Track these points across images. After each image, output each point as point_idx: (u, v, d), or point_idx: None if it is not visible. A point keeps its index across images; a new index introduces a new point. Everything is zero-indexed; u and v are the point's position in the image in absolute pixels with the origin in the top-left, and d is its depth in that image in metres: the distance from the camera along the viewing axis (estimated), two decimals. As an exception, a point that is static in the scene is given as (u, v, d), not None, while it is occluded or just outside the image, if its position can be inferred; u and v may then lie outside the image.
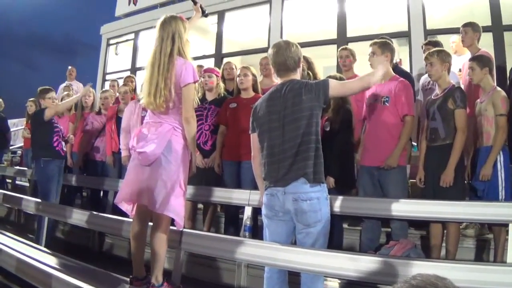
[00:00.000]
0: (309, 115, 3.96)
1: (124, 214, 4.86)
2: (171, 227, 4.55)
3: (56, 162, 7.85)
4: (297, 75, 4.25)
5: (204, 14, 5.90)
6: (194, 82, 4.53)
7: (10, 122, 13.61)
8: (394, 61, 6.20)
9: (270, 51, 4.28)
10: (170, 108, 4.46)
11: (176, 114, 4.50)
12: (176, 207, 4.35)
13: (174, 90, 4.40)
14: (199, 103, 5.19)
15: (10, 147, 14.67)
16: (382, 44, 5.73)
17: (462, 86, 6.24)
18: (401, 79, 5.71)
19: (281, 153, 4.01)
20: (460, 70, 7.37)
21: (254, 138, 4.34)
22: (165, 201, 4.29)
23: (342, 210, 5.31)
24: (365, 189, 5.79)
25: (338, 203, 5.28)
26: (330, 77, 5.46)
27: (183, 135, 4.49)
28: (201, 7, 5.82)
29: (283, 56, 4.16)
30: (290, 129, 3.99)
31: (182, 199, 4.46)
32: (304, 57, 5.35)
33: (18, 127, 15.74)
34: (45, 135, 7.79)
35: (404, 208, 5.10)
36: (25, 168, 10.74)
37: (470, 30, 6.86)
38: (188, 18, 4.86)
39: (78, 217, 6.26)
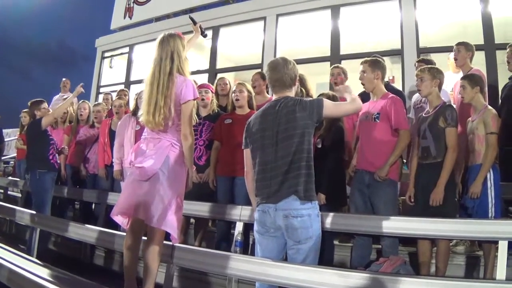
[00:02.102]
0: (301, 133, 4.00)
1: (116, 227, 4.87)
2: (166, 242, 4.57)
3: (51, 174, 7.88)
4: (292, 93, 4.30)
5: (203, 35, 5.96)
6: (194, 99, 4.59)
7: (3, 132, 13.62)
8: (387, 79, 6.25)
9: (267, 67, 4.34)
10: (169, 125, 4.51)
11: (174, 131, 4.54)
12: (173, 222, 4.38)
13: (174, 108, 4.45)
14: (197, 120, 5.23)
15: (3, 157, 14.67)
16: (373, 63, 5.78)
17: (454, 105, 6.30)
18: (392, 95, 5.79)
19: (273, 170, 4.04)
20: (452, 90, 7.42)
21: (247, 153, 4.38)
22: (162, 216, 4.31)
23: (333, 227, 5.33)
24: (357, 206, 5.82)
25: (329, 219, 5.31)
26: (322, 94, 5.53)
27: (181, 151, 4.53)
28: (200, 27, 5.88)
29: (280, 73, 4.22)
30: (283, 146, 4.02)
31: (179, 214, 4.50)
32: (298, 74, 5.41)
33: (11, 137, 15.69)
34: (42, 147, 7.83)
35: (395, 225, 5.13)
36: (18, 179, 10.71)
37: (463, 49, 6.94)
38: (184, 33, 4.89)
39: (70, 229, 6.27)
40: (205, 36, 6.03)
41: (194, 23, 5.92)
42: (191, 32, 5.98)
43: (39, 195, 7.74)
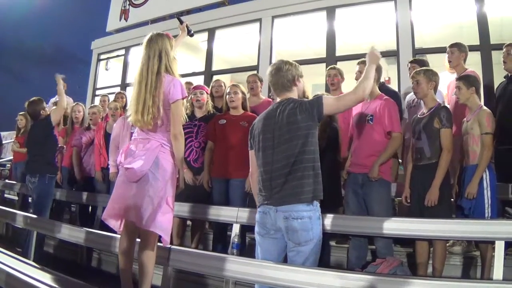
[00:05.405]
0: (305, 134, 4.00)
1: (112, 229, 4.86)
2: (159, 244, 4.56)
3: (55, 178, 7.89)
4: (293, 93, 4.29)
5: (190, 34, 5.95)
6: (183, 98, 4.56)
7: (1, 135, 13.63)
8: (382, 79, 6.25)
9: (268, 70, 4.33)
10: (159, 125, 4.48)
11: (164, 131, 4.52)
12: (163, 223, 4.35)
13: (163, 108, 4.42)
14: (187, 119, 5.22)
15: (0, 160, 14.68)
16: None
17: (448, 105, 6.31)
18: (386, 97, 5.80)
19: (274, 171, 4.05)
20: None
21: (252, 154, 4.40)
22: (152, 217, 4.29)
23: (329, 228, 5.31)
24: (351, 207, 5.85)
25: (326, 221, 5.29)
26: (317, 95, 5.54)
27: (171, 151, 4.51)
28: (187, 26, 5.89)
29: (277, 75, 4.23)
30: (284, 149, 4.03)
31: (169, 216, 4.46)
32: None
33: (7, 140, 15.66)
34: (51, 149, 7.79)
35: (392, 226, 5.12)
36: (14, 182, 10.67)
37: (456, 50, 6.93)
38: (176, 36, 4.89)
39: (67, 232, 6.25)
40: (191, 35, 6.02)
41: (181, 22, 5.93)
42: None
43: (44, 199, 7.67)
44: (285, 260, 4.21)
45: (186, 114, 5.29)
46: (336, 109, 4.29)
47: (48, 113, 7.91)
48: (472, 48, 7.57)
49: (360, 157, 5.77)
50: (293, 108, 4.08)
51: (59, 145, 8.37)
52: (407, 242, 5.97)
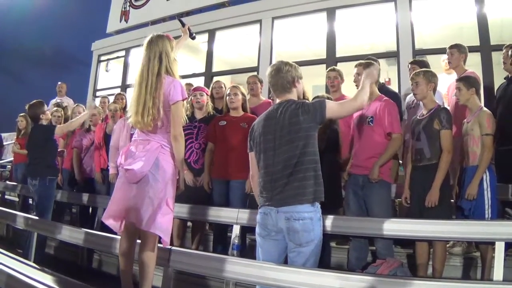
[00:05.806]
0: (306, 135, 4.00)
1: (113, 230, 4.85)
2: (160, 245, 4.55)
3: (56, 180, 7.92)
4: (293, 95, 4.28)
5: (192, 37, 5.96)
6: (183, 100, 4.56)
7: (1, 136, 13.64)
8: (383, 80, 6.24)
9: (268, 71, 4.33)
10: (159, 127, 4.48)
11: (164, 133, 4.52)
12: (163, 224, 4.34)
13: (163, 109, 4.42)
14: (187, 121, 5.21)
15: (0, 161, 14.66)
16: (366, 65, 5.79)
17: (448, 106, 6.31)
18: (385, 98, 5.79)
19: (275, 173, 4.05)
20: (447, 91, 7.43)
21: (252, 156, 4.39)
22: (152, 218, 4.29)
23: (330, 229, 5.31)
24: (351, 208, 5.84)
25: (327, 222, 5.29)
26: (318, 97, 5.52)
27: (171, 153, 4.50)
28: (189, 29, 5.89)
29: (276, 77, 4.22)
30: (285, 150, 4.02)
31: (169, 217, 4.45)
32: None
33: (8, 141, 15.65)
34: (51, 153, 7.81)
35: (392, 227, 5.11)
36: (15, 183, 10.66)
37: (456, 51, 6.93)
38: (178, 37, 4.87)
39: (68, 233, 6.25)
40: (193, 38, 6.04)
41: (183, 25, 5.94)
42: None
43: (45, 201, 7.70)
44: (285, 261, 4.21)
45: (186, 115, 5.31)
46: (339, 115, 4.39)
47: (50, 117, 7.93)
48: (472, 49, 7.58)
49: (361, 158, 5.77)
50: (295, 109, 4.07)
51: (59, 150, 8.37)
52: (407, 243, 5.97)
